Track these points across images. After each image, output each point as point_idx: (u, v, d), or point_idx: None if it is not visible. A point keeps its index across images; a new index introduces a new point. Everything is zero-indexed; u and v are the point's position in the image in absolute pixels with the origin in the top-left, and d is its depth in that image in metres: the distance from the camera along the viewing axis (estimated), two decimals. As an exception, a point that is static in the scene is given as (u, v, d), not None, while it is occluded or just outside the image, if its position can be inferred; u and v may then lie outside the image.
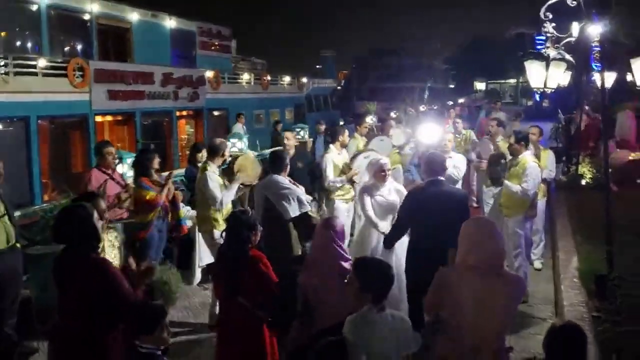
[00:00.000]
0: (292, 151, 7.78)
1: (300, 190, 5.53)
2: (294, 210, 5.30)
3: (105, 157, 6.31)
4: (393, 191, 5.86)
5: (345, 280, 3.53)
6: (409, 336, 3.24)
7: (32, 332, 5.50)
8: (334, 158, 7.31)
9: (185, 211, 7.67)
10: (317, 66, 44.24)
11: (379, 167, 5.86)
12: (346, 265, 3.87)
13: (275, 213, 5.32)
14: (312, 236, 4.17)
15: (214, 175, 6.02)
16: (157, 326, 3.13)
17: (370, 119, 15.79)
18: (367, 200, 5.77)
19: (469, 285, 3.16)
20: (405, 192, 5.59)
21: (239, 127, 16.43)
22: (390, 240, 5.16)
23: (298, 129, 15.05)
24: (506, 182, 6.35)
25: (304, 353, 3.22)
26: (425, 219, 4.69)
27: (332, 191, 7.29)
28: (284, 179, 5.45)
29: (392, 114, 18.45)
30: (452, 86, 54.83)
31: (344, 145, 7.61)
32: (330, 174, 7.18)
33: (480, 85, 49.26)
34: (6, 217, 5.27)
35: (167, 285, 3.79)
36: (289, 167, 5.67)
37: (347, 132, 7.77)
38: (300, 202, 5.37)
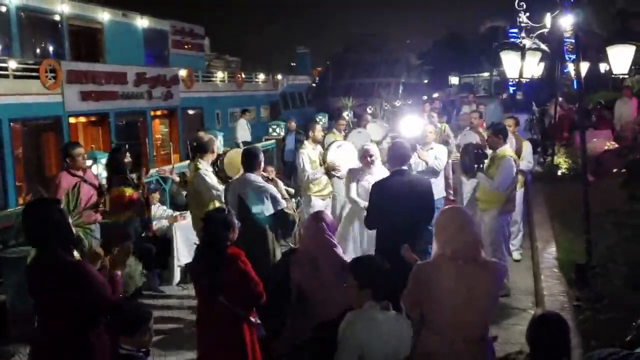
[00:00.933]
0: None
1: (274, 188, 5.46)
2: (268, 209, 5.24)
3: (75, 159, 6.05)
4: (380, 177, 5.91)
5: (340, 270, 3.54)
6: (409, 338, 3.21)
7: (7, 336, 5.38)
8: (309, 153, 7.31)
9: (162, 211, 7.59)
10: (292, 63, 44.11)
11: (363, 152, 5.98)
12: (338, 251, 3.90)
13: (249, 212, 5.26)
14: (293, 232, 4.17)
15: (208, 172, 5.97)
16: (139, 329, 3.08)
17: (346, 115, 15.81)
18: (353, 184, 5.91)
19: (448, 277, 3.13)
20: None
21: (243, 123, 16.03)
22: (369, 222, 5.13)
23: (274, 126, 15.00)
24: (480, 174, 6.23)
25: (302, 352, 3.21)
26: (389, 208, 4.71)
27: (309, 187, 7.27)
28: (257, 177, 5.37)
29: (368, 109, 18.49)
30: (426, 81, 55.18)
31: (316, 141, 7.57)
32: (308, 169, 7.16)
33: (454, 80, 49.56)
34: None
35: (129, 265, 3.77)
36: (262, 163, 5.59)
37: (319, 127, 7.75)
38: (274, 199, 5.31)
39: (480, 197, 6.47)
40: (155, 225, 7.08)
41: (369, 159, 6.02)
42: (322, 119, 13.41)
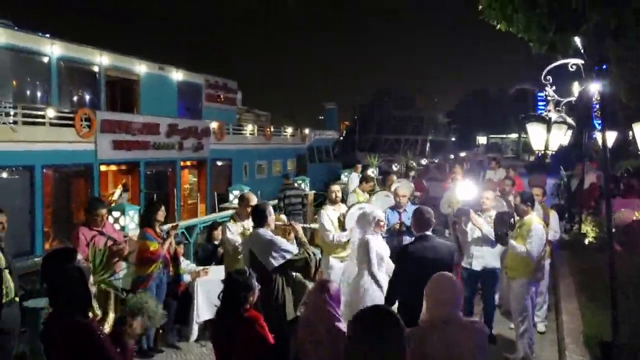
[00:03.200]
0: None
1: (282, 240, 5.43)
2: (277, 261, 5.25)
3: (95, 218, 6.07)
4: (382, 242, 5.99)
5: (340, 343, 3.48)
6: None
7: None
8: (329, 214, 7.28)
9: (185, 265, 7.62)
10: (320, 117, 44.85)
11: (378, 218, 5.95)
12: (341, 326, 3.82)
13: (260, 266, 5.28)
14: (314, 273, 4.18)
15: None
16: None
17: (371, 172, 15.88)
18: (373, 254, 5.80)
19: (433, 340, 3.24)
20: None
21: (354, 177, 14.94)
22: (390, 298, 5.09)
23: (299, 181, 15.11)
24: (511, 241, 6.23)
25: None
26: (411, 274, 4.68)
27: (328, 248, 7.20)
28: (266, 232, 5.42)
29: (394, 167, 18.58)
30: (453, 139, 55.32)
31: (334, 202, 7.53)
32: (331, 229, 7.13)
33: (481, 140, 49.73)
34: (7, 271, 5.24)
35: (147, 304, 3.75)
36: (271, 218, 5.62)
37: (335, 188, 7.67)
38: (284, 250, 5.31)
39: (510, 265, 6.44)
40: (177, 279, 7.11)
41: (382, 223, 6.02)
42: (349, 175, 13.46)
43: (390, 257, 5.93)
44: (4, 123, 11.35)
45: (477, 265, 6.67)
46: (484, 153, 35.80)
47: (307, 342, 3.83)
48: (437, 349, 3.23)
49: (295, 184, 13.83)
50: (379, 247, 5.88)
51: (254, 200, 6.47)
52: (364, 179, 9.94)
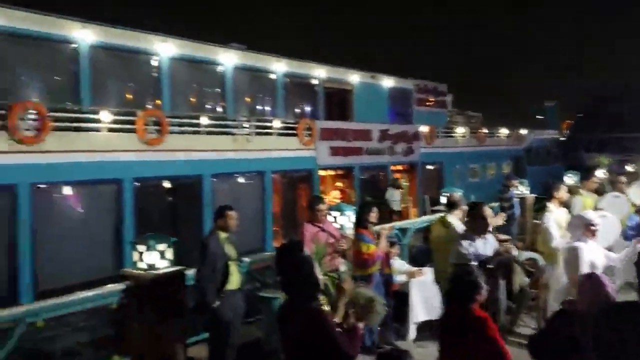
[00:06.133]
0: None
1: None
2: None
3: (317, 213, 6.54)
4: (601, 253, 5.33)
5: None
6: None
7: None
8: (556, 217, 6.72)
9: (400, 265, 7.70)
10: (537, 116, 41.89)
11: (586, 221, 5.29)
12: None
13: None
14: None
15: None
16: None
17: (602, 173, 14.31)
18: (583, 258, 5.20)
19: None
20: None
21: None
22: None
23: (518, 184, 14.28)
24: None
25: None
26: None
27: (553, 252, 6.64)
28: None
29: (628, 168, 16.52)
30: None
31: (561, 202, 6.93)
32: (557, 235, 6.58)
33: None
34: (234, 263, 5.90)
35: (373, 302, 3.80)
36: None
37: (564, 187, 7.10)
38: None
39: None
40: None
41: (593, 228, 5.31)
42: (573, 178, 12.30)
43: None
44: (241, 134, 12.80)
45: None
46: None
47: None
48: None
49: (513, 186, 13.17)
50: (593, 255, 5.22)
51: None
52: (589, 176, 9.03)
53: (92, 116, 10.31)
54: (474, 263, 5.29)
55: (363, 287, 4.10)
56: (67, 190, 9.95)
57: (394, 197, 16.57)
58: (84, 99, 10.79)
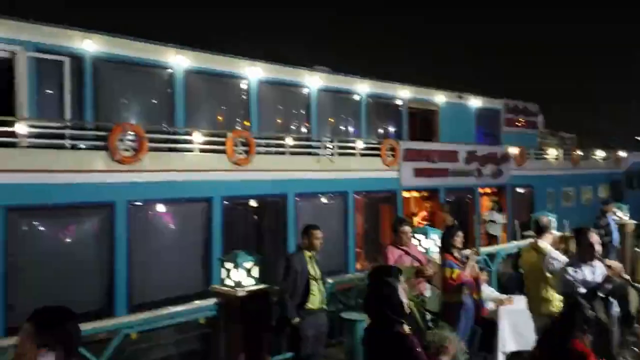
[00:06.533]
0: None
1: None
2: None
3: (401, 235, 6.51)
4: None
5: None
6: None
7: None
8: None
9: (489, 292, 7.42)
10: (637, 138, 39.26)
11: None
12: None
13: None
14: None
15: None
16: None
17: None
18: None
19: None
20: None
21: None
22: None
23: (616, 208, 13.41)
24: None
25: None
26: None
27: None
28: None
29: None
30: None
31: None
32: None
33: None
34: (317, 282, 5.90)
35: (451, 340, 3.70)
36: None
37: None
38: None
39: None
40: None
41: None
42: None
43: None
44: (324, 155, 12.92)
45: None
46: None
47: None
48: None
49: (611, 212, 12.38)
50: None
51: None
52: None
53: (185, 137, 10.80)
54: (582, 290, 5.00)
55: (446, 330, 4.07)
56: (160, 208, 10.42)
57: (498, 220, 16.11)
58: (178, 121, 11.35)
